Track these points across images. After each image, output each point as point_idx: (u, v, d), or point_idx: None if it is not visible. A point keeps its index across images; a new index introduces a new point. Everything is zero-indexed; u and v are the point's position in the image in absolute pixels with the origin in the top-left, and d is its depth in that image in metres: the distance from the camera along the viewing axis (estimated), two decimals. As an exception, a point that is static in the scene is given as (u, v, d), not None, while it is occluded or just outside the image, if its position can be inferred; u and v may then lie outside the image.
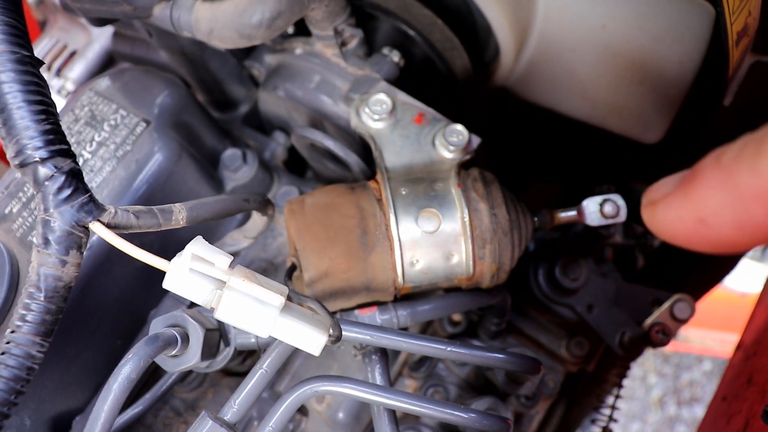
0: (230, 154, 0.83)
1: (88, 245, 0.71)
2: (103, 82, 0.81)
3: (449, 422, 0.66)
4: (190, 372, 0.79)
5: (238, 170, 0.82)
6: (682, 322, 0.88)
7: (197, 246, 0.55)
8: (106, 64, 0.98)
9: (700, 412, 2.05)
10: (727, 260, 1.15)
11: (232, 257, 0.55)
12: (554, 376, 0.90)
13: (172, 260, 0.55)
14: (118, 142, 0.76)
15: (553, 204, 0.79)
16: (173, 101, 0.78)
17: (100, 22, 0.80)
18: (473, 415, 0.65)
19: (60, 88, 0.98)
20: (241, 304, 0.55)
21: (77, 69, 0.97)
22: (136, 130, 0.76)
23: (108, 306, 0.77)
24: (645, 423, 2.06)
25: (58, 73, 0.99)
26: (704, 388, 2.07)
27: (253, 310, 0.55)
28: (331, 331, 0.58)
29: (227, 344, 0.69)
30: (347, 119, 0.79)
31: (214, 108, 0.93)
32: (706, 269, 1.16)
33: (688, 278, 1.13)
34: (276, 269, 0.83)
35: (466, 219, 0.69)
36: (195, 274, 0.55)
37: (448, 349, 0.67)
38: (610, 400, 1.01)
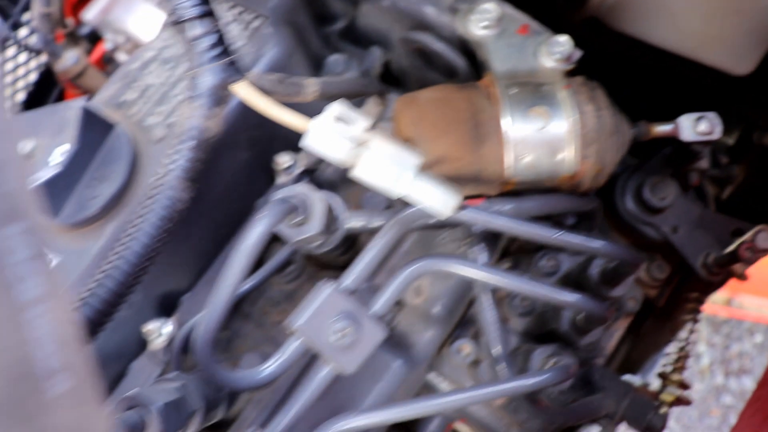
0: (334, 59, 0.86)
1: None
2: (216, -16, 0.84)
3: (555, 302, 0.68)
4: (289, 263, 0.82)
5: (342, 75, 0.85)
6: (765, 252, 0.90)
7: (339, 106, 0.58)
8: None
9: (748, 383, 2.05)
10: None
11: (373, 120, 0.58)
12: (635, 295, 0.92)
13: (314, 119, 0.58)
14: (233, 36, 0.79)
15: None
16: (288, 0, 0.80)
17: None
18: (579, 296, 0.67)
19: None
20: (379, 162, 0.57)
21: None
22: (251, 24, 0.79)
23: (216, 194, 0.80)
24: (691, 391, 2.06)
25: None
26: (754, 360, 2.07)
27: (391, 168, 0.57)
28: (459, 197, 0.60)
29: (338, 227, 0.72)
30: (451, 29, 0.81)
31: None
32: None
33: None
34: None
35: (574, 118, 0.71)
36: (336, 133, 0.57)
37: (557, 235, 0.69)
38: (683, 334, 1.02)
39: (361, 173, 0.57)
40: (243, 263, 0.60)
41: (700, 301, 0.95)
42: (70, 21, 1.03)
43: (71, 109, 0.99)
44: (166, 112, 0.76)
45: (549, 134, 0.71)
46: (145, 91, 0.79)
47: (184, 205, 0.58)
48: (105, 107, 0.80)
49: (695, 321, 0.95)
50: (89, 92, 1.05)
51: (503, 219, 0.67)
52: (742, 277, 0.98)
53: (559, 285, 0.85)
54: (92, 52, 1.11)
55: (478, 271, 0.66)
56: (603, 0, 0.96)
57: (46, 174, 0.71)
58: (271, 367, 0.63)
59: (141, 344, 0.77)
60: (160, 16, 1.05)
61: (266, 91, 0.60)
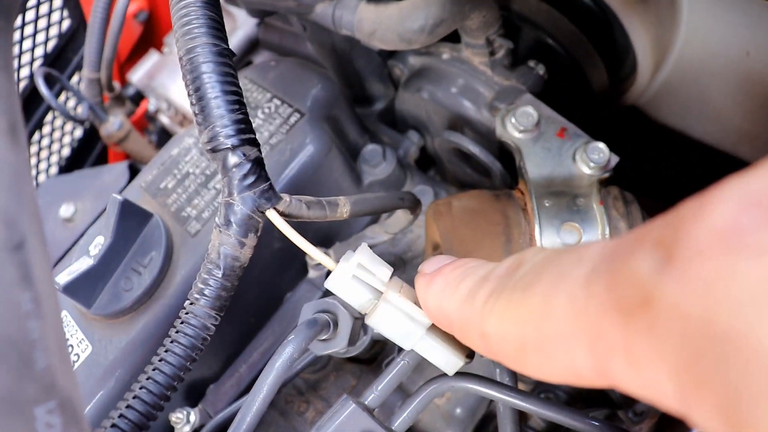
0: (371, 149, 0.86)
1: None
2: (257, 72, 0.85)
3: (575, 429, 0.68)
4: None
5: (377, 166, 0.86)
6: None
7: (364, 255, 0.58)
8: (248, 51, 1.02)
9: None
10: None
11: (392, 270, 0.59)
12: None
13: (340, 263, 0.58)
14: (272, 130, 0.80)
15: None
16: (326, 94, 0.81)
17: (260, 13, 0.84)
18: (597, 424, 0.67)
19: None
20: (393, 316, 0.58)
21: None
22: (289, 120, 0.80)
23: (247, 283, 0.81)
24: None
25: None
26: None
27: (403, 324, 0.58)
28: (468, 352, 0.61)
29: (366, 333, 0.73)
30: (488, 127, 0.82)
31: (353, 102, 0.96)
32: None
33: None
34: (404, 264, 0.86)
35: (607, 236, 0.71)
36: (357, 280, 0.58)
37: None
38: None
39: (374, 323, 0.58)
40: (270, 387, 0.61)
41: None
42: (116, 84, 1.06)
43: (114, 173, 1.02)
44: (202, 206, 0.78)
45: (580, 251, 0.71)
46: (182, 181, 0.81)
47: (210, 333, 0.59)
48: (144, 193, 0.82)
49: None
50: (131, 155, 1.07)
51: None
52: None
53: (576, 394, 0.85)
54: (136, 110, 1.14)
55: (498, 393, 0.66)
56: (645, 90, 0.95)
57: (83, 266, 0.73)
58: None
59: (168, 430, 0.79)
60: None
61: (298, 216, 0.61)
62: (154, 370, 0.58)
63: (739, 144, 0.93)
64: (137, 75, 1.13)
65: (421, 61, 0.88)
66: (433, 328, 0.59)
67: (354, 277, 0.58)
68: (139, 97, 1.15)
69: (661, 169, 1.05)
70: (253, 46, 1.02)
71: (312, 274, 0.83)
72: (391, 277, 0.59)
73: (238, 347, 0.82)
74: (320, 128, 0.79)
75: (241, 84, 0.84)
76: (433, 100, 0.85)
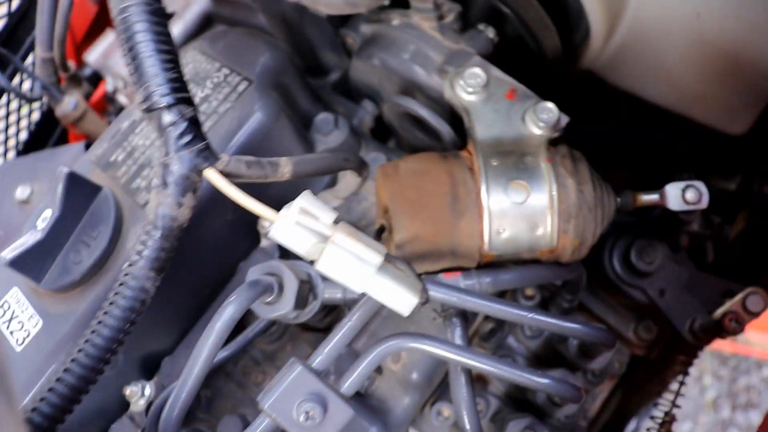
0: (323, 118, 0.86)
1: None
2: (206, 42, 0.85)
3: (526, 386, 0.68)
4: (271, 324, 0.82)
5: (330, 134, 0.85)
6: (754, 315, 0.88)
7: (305, 199, 0.58)
8: (203, 25, 1.02)
9: (755, 418, 2.02)
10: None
11: (337, 213, 0.58)
12: (621, 357, 0.91)
13: (281, 211, 0.58)
14: (220, 98, 0.79)
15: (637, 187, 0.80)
16: (274, 63, 0.81)
17: (209, -16, 0.84)
18: (549, 381, 0.67)
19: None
20: (342, 258, 0.57)
21: (175, 30, 1.01)
22: (238, 88, 0.79)
23: (200, 255, 0.80)
24: (696, 424, 2.04)
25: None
26: (762, 394, 2.04)
27: (353, 265, 0.58)
28: (421, 293, 0.61)
29: (315, 297, 0.72)
30: (439, 91, 0.81)
31: (306, 73, 0.96)
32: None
33: (762, 273, 1.13)
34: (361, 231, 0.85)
35: (554, 193, 0.71)
36: (300, 226, 0.58)
37: (530, 316, 0.69)
38: (674, 386, 1.01)
39: (323, 267, 0.57)
40: (211, 347, 0.61)
41: (688, 363, 0.94)
42: (71, 63, 1.05)
43: (70, 153, 1.01)
44: (152, 176, 0.77)
45: (528, 208, 0.71)
46: (132, 153, 0.80)
47: (149, 295, 0.59)
48: (94, 167, 0.81)
49: (682, 384, 0.94)
50: (89, 135, 1.06)
51: (473, 298, 0.67)
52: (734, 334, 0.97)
53: (534, 359, 0.86)
54: (95, 92, 1.13)
55: (447, 352, 0.66)
56: (599, 54, 0.95)
57: (30, 240, 0.73)
58: (239, 446, 0.63)
59: (123, 405, 0.78)
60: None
61: (238, 176, 0.61)
62: (92, 332, 0.58)
63: (694, 106, 0.93)
64: (93, 55, 1.12)
65: (372, 28, 0.87)
66: (384, 267, 0.59)
67: (297, 223, 0.57)
68: (96, 78, 1.15)
69: (618, 134, 1.06)
70: (208, 20, 1.01)
71: (264, 243, 0.82)
72: (337, 221, 0.59)
73: (193, 319, 0.82)
74: (268, 96, 0.79)
75: (190, 55, 0.84)
76: (384, 67, 0.84)
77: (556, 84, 0.94)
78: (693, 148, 1.04)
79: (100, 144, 0.83)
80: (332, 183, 0.85)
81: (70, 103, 1.03)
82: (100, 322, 0.58)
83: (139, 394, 0.76)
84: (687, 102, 0.93)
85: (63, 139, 1.18)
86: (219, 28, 0.90)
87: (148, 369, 0.81)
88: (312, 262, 0.59)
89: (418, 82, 0.82)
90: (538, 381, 0.67)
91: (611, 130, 1.07)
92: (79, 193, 0.76)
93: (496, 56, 0.84)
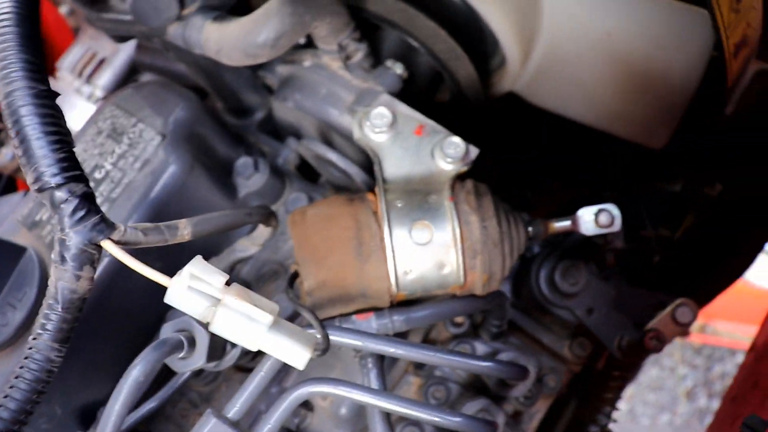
0: (242, 162, 0.88)
1: (105, 259, 0.78)
2: (124, 96, 0.86)
3: (438, 425, 0.70)
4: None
5: (251, 177, 0.87)
6: (684, 326, 0.90)
7: (196, 266, 0.60)
8: (132, 71, 1.04)
9: (730, 405, 2.04)
10: (744, 256, 1.16)
11: (227, 276, 0.60)
12: (555, 375, 0.93)
13: (173, 278, 0.60)
14: (136, 154, 0.81)
15: (568, 205, 0.81)
16: (187, 115, 0.83)
17: (121, 39, 0.86)
18: (459, 419, 0.69)
19: (89, 95, 1.04)
20: (233, 320, 0.60)
21: (105, 77, 1.03)
22: (151, 143, 0.81)
23: (131, 305, 0.83)
24: (674, 414, 2.06)
25: (89, 80, 1.05)
26: (736, 381, 2.06)
27: (244, 325, 0.60)
28: (318, 345, 0.63)
29: (234, 345, 0.75)
30: (352, 131, 0.83)
31: (231, 115, 0.97)
32: (721, 264, 1.17)
33: (695, 283, 1.14)
34: (286, 271, 0.87)
35: (457, 231, 0.72)
36: (193, 291, 0.60)
37: (437, 355, 0.71)
38: (607, 410, 1.03)
39: (216, 329, 0.60)
40: (120, 407, 0.63)
41: (624, 377, 0.96)
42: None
43: (7, 204, 1.03)
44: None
45: (433, 248, 0.73)
46: (55, 211, 0.82)
47: (55, 365, 0.61)
48: (20, 226, 0.84)
49: (620, 393, 0.96)
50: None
51: (379, 341, 0.69)
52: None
53: (467, 385, 0.88)
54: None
55: (361, 395, 0.68)
56: (517, 77, 0.96)
57: (-45, 307, 0.75)
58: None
59: (63, 456, 0.81)
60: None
61: (136, 243, 0.63)
62: (0, 404, 0.60)
63: (613, 123, 0.95)
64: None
65: (288, 69, 0.89)
66: (276, 325, 0.61)
67: (189, 288, 0.60)
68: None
69: (547, 152, 1.07)
70: (135, 68, 1.03)
71: (189, 290, 0.84)
72: (228, 283, 0.61)
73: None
74: (181, 148, 0.80)
75: (108, 110, 0.86)
76: (299, 109, 0.86)
77: (478, 111, 0.96)
78: (623, 160, 1.05)
79: (26, 202, 0.85)
80: (254, 227, 0.87)
81: (7, 155, 1.05)
82: (6, 396, 0.60)
83: (74, 447, 0.79)
84: (606, 119, 0.95)
85: (12, 186, 1.20)
86: (141, 79, 0.92)
87: (87, 419, 0.83)
88: (207, 325, 0.61)
89: (331, 123, 0.84)
90: (449, 419, 0.69)
91: (545, 149, 1.09)
92: (4, 255, 0.79)
93: (408, 91, 0.86)
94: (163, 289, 0.85)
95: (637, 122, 0.93)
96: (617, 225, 0.79)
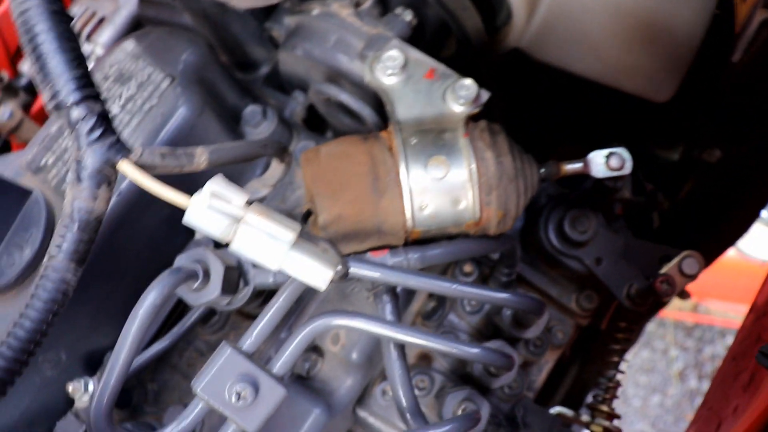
0: (251, 110, 0.87)
1: (118, 191, 0.77)
2: (131, 43, 0.86)
3: (455, 356, 0.69)
4: (212, 315, 0.84)
5: (258, 126, 0.87)
6: (691, 277, 0.90)
7: (216, 183, 0.59)
8: (133, 28, 1.03)
9: (720, 384, 2.06)
10: (739, 222, 1.17)
11: (248, 194, 0.60)
12: (563, 327, 0.93)
13: (193, 197, 0.59)
14: (145, 97, 0.80)
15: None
16: (196, 58, 0.82)
17: (129, -15, 0.85)
18: (477, 349, 0.69)
19: (90, 54, 1.03)
20: (254, 237, 0.59)
21: (106, 34, 1.02)
22: (161, 85, 0.80)
23: (137, 250, 0.81)
24: (665, 396, 2.07)
25: (88, 38, 1.04)
26: (727, 362, 2.07)
27: (266, 243, 0.59)
28: (339, 267, 0.62)
29: (246, 283, 0.74)
30: (362, 76, 0.83)
31: (236, 69, 0.97)
32: (718, 229, 1.18)
33: (699, 238, 1.15)
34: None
35: (473, 166, 0.72)
36: (213, 209, 0.59)
37: (454, 286, 0.70)
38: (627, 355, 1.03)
39: (237, 247, 0.59)
40: (135, 334, 0.62)
41: (630, 330, 0.96)
42: (5, 74, 1.05)
43: (5, 161, 1.01)
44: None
45: (449, 183, 0.72)
46: (61, 156, 0.81)
47: (71, 286, 0.60)
48: (24, 171, 0.82)
49: (625, 350, 0.96)
50: (29, 144, 1.07)
51: (396, 273, 0.68)
52: (682, 295, 0.99)
53: (476, 334, 0.87)
54: (34, 101, 1.14)
55: (377, 327, 0.67)
56: (523, 32, 0.97)
57: (-40, 245, 0.74)
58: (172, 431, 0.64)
59: (69, 402, 0.79)
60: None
61: (152, 167, 0.62)
62: (15, 326, 0.59)
63: (619, 76, 0.95)
64: (28, 64, 1.12)
65: (295, 20, 0.88)
66: (298, 244, 0.60)
67: (210, 206, 0.58)
68: (34, 88, 1.15)
69: (552, 110, 1.08)
70: (137, 23, 1.02)
71: (199, 235, 0.83)
72: (249, 202, 0.60)
73: (133, 314, 0.82)
74: (191, 90, 0.80)
75: (115, 55, 0.85)
76: (308, 57, 0.86)
77: (484, 64, 0.96)
78: (627, 116, 1.06)
79: (30, 149, 0.84)
80: (264, 170, 0.86)
81: (4, 114, 1.03)
82: (22, 315, 0.59)
83: (82, 390, 0.77)
84: (612, 73, 0.95)
85: (6, 149, 1.18)
86: (145, 29, 0.91)
87: (93, 365, 0.82)
88: (228, 245, 0.60)
89: (341, 70, 0.84)
90: (467, 351, 0.69)
91: (551, 106, 1.09)
92: (9, 197, 0.77)
93: (416, 39, 0.86)
94: (171, 233, 0.84)
95: (643, 74, 0.93)
96: (628, 168, 0.79)
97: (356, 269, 0.67)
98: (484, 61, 0.95)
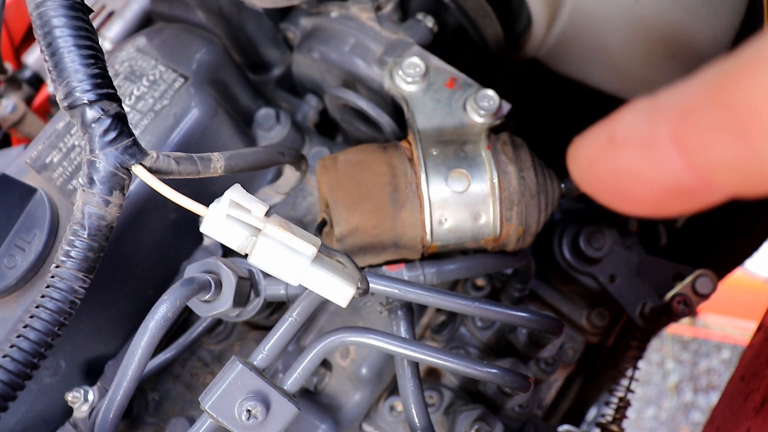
0: (264, 113, 0.85)
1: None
2: (143, 39, 0.83)
3: (472, 377, 0.67)
4: (218, 324, 0.81)
5: (271, 129, 0.84)
6: (704, 297, 0.89)
7: (235, 193, 0.57)
8: (143, 23, 1.00)
9: (716, 399, 2.05)
10: (751, 240, 1.15)
11: (269, 206, 0.57)
12: (574, 344, 0.91)
13: (211, 205, 0.57)
14: (156, 96, 0.78)
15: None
16: (211, 58, 0.79)
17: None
18: (495, 370, 0.66)
19: (98, 47, 1.00)
20: (274, 251, 0.56)
21: (115, 29, 0.99)
22: (174, 85, 0.78)
23: (142, 256, 0.79)
24: (660, 408, 2.06)
25: (98, 32, 1.01)
26: (722, 376, 2.07)
27: (286, 257, 0.56)
28: (359, 284, 0.59)
29: (257, 294, 0.71)
30: (380, 82, 0.81)
31: (248, 69, 0.94)
32: (729, 247, 1.16)
33: (711, 256, 1.14)
34: (305, 228, 0.84)
35: (495, 180, 0.70)
36: (231, 219, 0.56)
37: (474, 305, 0.68)
38: (629, 372, 1.02)
39: (256, 260, 0.56)
40: (145, 346, 0.60)
41: (641, 348, 0.95)
42: (9, 66, 1.02)
43: (8, 156, 0.98)
44: (86, 177, 0.75)
45: (470, 197, 0.70)
46: (68, 154, 0.78)
47: (78, 296, 0.57)
48: (29, 169, 0.79)
49: (635, 368, 0.95)
50: (31, 139, 1.04)
51: (414, 289, 0.66)
52: (691, 314, 0.97)
53: (486, 350, 0.85)
54: (36, 95, 1.10)
55: (389, 344, 0.65)
56: (542, 42, 0.95)
57: (-40, 245, 0.71)
58: (180, 448, 0.62)
59: (67, 411, 0.76)
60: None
61: (167, 172, 0.59)
62: (18, 337, 0.56)
63: (638, 91, 0.94)
64: (32, 56, 1.09)
65: (312, 21, 0.86)
66: (318, 259, 0.58)
67: (228, 216, 0.56)
68: (38, 81, 1.12)
69: (567, 121, 1.06)
70: (148, 19, 1.00)
71: (207, 241, 0.81)
72: (269, 214, 0.57)
73: (136, 322, 0.79)
74: (205, 92, 0.77)
75: (126, 52, 0.82)
76: (324, 60, 0.83)
77: (502, 73, 0.94)
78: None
79: (35, 146, 0.81)
80: (277, 177, 0.84)
81: (7, 107, 1.00)
82: (27, 325, 0.56)
83: (81, 399, 0.74)
84: (631, 87, 0.94)
85: (6, 144, 1.15)
86: (157, 25, 0.88)
87: (93, 374, 0.79)
88: (245, 256, 0.57)
89: (358, 75, 0.81)
90: (484, 371, 0.67)
91: (565, 117, 1.08)
92: (13, 195, 0.74)
93: (436, 46, 0.84)
94: (177, 238, 0.82)
95: (661, 90, 0.92)
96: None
97: (374, 285, 0.65)
98: (504, 71, 0.93)
